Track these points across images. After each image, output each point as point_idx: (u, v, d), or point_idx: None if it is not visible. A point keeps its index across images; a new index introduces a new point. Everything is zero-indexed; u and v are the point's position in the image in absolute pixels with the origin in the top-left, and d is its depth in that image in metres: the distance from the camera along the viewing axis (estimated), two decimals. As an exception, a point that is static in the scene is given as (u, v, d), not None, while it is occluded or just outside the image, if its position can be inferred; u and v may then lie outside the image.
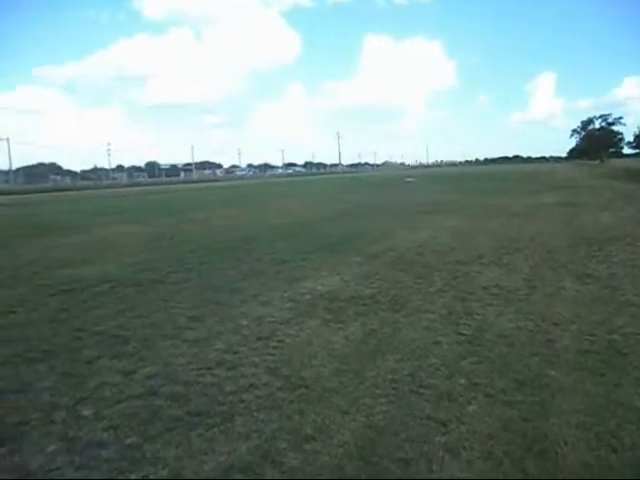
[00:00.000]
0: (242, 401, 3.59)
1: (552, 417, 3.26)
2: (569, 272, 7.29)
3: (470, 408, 3.40)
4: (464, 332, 4.88)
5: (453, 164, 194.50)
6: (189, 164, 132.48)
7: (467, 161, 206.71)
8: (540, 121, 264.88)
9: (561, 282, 6.74)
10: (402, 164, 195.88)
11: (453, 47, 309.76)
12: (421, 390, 3.68)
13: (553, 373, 3.91)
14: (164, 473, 2.80)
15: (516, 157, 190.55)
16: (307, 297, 6.35)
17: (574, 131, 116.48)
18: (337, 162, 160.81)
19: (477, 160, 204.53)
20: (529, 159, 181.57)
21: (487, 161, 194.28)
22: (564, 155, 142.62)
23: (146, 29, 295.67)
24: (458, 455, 2.87)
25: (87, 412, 3.51)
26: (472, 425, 3.18)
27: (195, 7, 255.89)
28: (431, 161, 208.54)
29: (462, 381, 3.81)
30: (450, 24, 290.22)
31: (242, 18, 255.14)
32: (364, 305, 5.91)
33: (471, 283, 6.82)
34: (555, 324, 5.06)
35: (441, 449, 2.93)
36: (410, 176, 55.10)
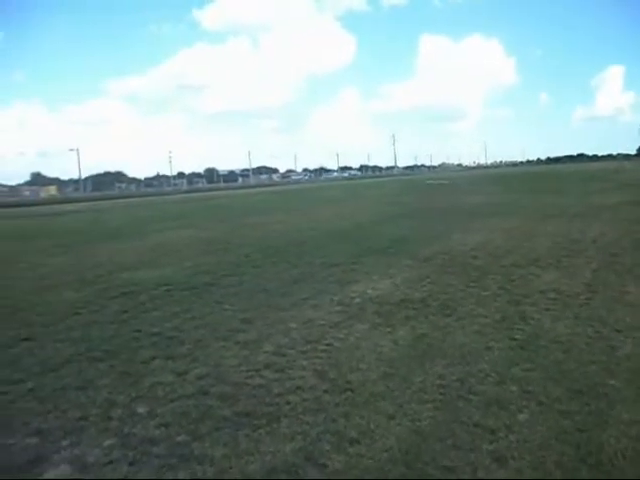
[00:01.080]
0: (288, 403, 3.64)
1: (610, 428, 3.10)
2: (634, 276, 6.91)
3: (521, 416, 3.29)
4: (517, 337, 4.73)
5: (513, 164, 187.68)
6: (246, 169, 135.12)
7: (528, 161, 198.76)
8: (607, 117, 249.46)
9: (625, 287, 6.40)
10: (459, 165, 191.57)
11: (512, 44, 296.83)
12: (470, 396, 3.60)
13: (612, 382, 3.72)
14: (211, 471, 2.89)
15: (581, 155, 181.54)
16: (357, 301, 6.35)
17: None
18: (393, 165, 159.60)
19: (539, 160, 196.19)
20: (595, 157, 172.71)
21: (549, 160, 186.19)
22: (633, 152, 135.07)
23: (205, 39, 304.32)
24: (506, 464, 2.79)
25: (141, 410, 3.67)
26: (522, 434, 3.08)
27: (252, 16, 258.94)
28: (490, 161, 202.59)
29: (513, 388, 3.69)
30: (509, 20, 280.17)
31: (297, 24, 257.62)
32: (414, 309, 5.84)
33: (527, 287, 6.60)
34: (617, 330, 4.81)
35: (488, 457, 2.85)
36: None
